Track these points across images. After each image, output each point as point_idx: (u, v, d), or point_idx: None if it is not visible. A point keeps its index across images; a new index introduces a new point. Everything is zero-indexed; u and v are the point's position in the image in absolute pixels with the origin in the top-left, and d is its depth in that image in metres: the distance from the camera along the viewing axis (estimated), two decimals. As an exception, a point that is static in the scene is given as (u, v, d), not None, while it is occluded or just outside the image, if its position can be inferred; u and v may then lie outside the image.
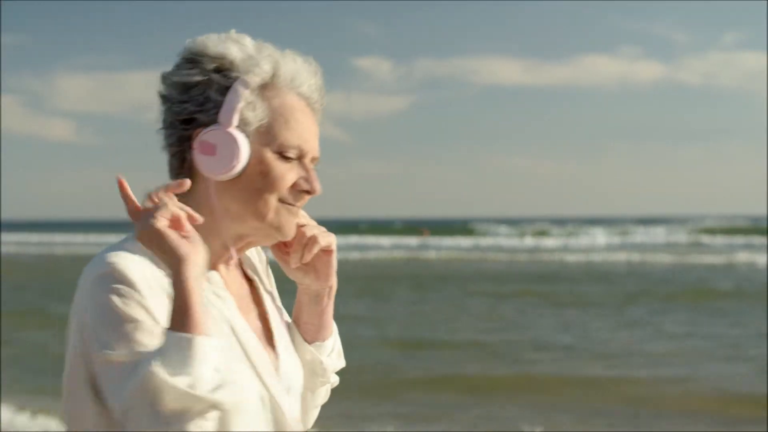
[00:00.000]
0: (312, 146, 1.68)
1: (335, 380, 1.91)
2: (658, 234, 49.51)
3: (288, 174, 1.65)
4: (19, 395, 9.37)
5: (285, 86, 1.67)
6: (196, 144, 1.62)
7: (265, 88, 1.65)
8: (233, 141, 1.60)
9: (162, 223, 1.50)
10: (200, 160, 1.62)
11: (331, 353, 1.88)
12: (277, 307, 1.84)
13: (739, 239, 42.60)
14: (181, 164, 1.66)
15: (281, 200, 1.65)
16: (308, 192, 1.68)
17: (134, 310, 1.49)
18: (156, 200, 1.53)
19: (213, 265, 1.68)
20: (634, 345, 12.58)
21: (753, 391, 9.45)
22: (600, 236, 47.60)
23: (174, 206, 1.52)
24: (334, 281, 1.84)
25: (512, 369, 10.98)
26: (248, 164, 1.63)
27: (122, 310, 1.49)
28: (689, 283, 21.59)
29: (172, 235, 1.49)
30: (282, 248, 1.80)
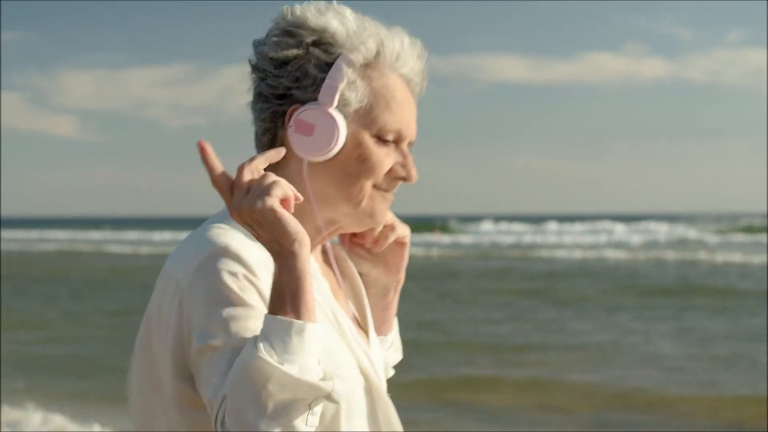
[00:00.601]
0: (411, 130, 1.60)
1: (391, 373, 1.86)
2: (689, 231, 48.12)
3: (385, 159, 1.57)
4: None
5: (387, 66, 1.58)
6: (291, 122, 1.52)
7: (367, 67, 1.56)
8: (332, 122, 1.51)
9: (276, 202, 1.35)
10: (295, 139, 1.52)
11: (390, 347, 1.84)
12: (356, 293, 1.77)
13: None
14: (272, 141, 1.57)
15: (376, 186, 1.57)
16: (404, 179, 1.59)
17: (250, 295, 1.41)
18: (255, 174, 1.38)
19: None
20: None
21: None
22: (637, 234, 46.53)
23: (285, 184, 1.38)
24: (402, 275, 1.78)
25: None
26: (345, 147, 1.54)
27: (237, 295, 1.40)
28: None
29: (287, 215, 1.35)
30: (351, 237, 1.72)
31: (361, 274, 1.77)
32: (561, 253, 34.21)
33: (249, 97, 1.59)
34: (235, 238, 1.45)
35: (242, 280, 1.42)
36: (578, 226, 50.62)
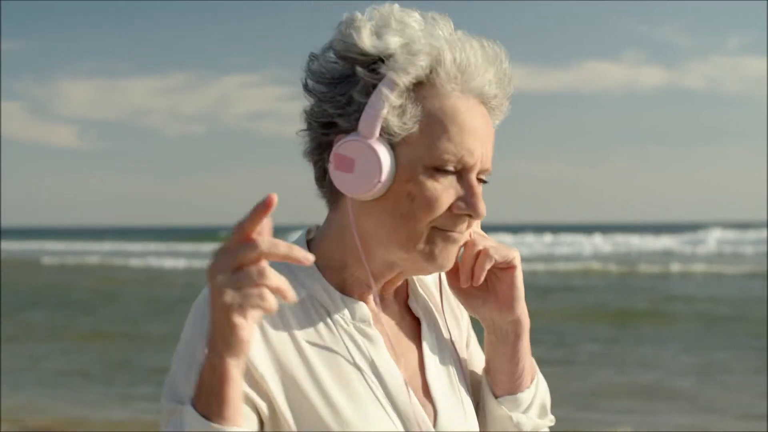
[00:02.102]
0: (478, 156, 1.38)
1: None
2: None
3: (443, 195, 1.35)
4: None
5: (448, 83, 1.36)
6: (331, 157, 1.36)
7: (420, 87, 1.35)
8: (373, 155, 1.33)
9: (248, 320, 1.16)
10: (336, 176, 1.36)
11: (529, 409, 1.53)
12: (453, 347, 1.54)
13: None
14: (323, 175, 1.42)
15: (435, 227, 1.37)
16: (470, 216, 1.38)
17: None
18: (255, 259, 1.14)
19: (361, 296, 1.44)
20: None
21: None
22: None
23: (267, 297, 1.14)
24: (523, 312, 1.50)
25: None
26: (394, 182, 1.35)
27: (198, 356, 1.27)
28: None
29: (242, 327, 1.16)
30: (455, 273, 1.50)
31: (479, 317, 1.54)
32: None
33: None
34: None
35: None
36: (548, 238, 49.73)
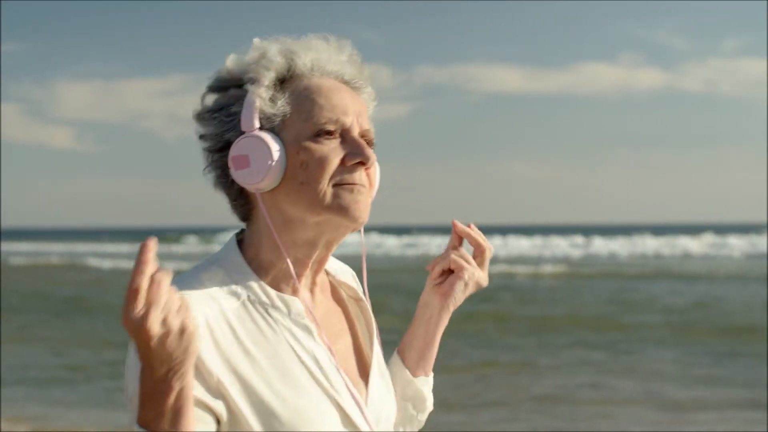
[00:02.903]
0: (353, 116, 1.54)
1: (423, 421, 1.78)
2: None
3: (331, 153, 1.50)
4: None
5: (306, 74, 1.55)
6: (229, 163, 1.51)
7: (284, 82, 1.54)
8: (260, 142, 1.49)
9: (154, 332, 1.24)
10: (238, 176, 1.51)
11: (431, 388, 1.77)
12: (377, 333, 1.69)
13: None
14: (238, 196, 1.56)
15: (335, 184, 1.51)
16: (361, 163, 1.53)
17: None
18: (142, 296, 1.24)
19: (293, 290, 1.56)
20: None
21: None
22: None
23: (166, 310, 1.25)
24: (448, 309, 1.74)
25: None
26: (288, 160, 1.51)
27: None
28: None
29: (161, 347, 1.25)
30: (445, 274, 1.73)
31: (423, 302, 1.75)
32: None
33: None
34: (195, 294, 1.45)
35: None
36: (524, 241, 49.48)
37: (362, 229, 1.60)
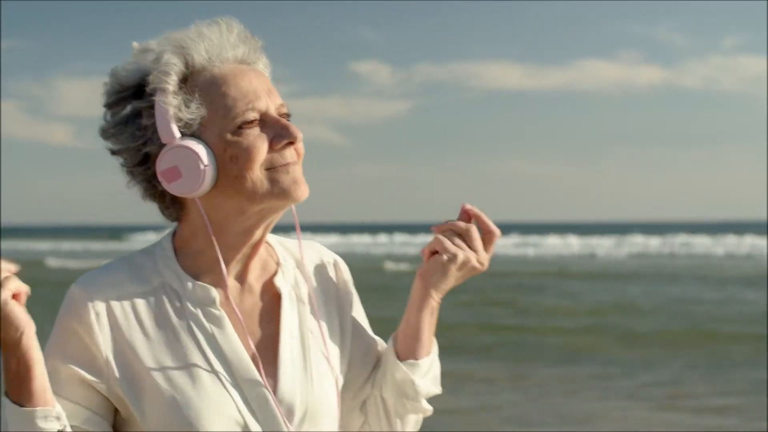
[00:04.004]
0: (265, 98, 1.54)
1: (428, 409, 1.72)
2: None
3: (257, 141, 1.51)
4: None
5: (206, 66, 1.54)
6: (160, 178, 1.51)
7: (186, 81, 1.52)
8: (186, 150, 1.49)
9: (6, 295, 1.37)
10: (173, 188, 1.51)
11: (426, 375, 1.69)
12: (319, 323, 1.66)
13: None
14: (170, 204, 1.58)
15: (267, 168, 1.52)
16: (290, 143, 1.53)
17: (71, 349, 1.50)
18: None
19: (217, 280, 1.57)
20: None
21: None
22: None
23: (15, 280, 1.39)
24: (437, 295, 1.68)
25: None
26: (217, 159, 1.51)
27: (59, 349, 1.50)
28: None
29: (15, 308, 1.38)
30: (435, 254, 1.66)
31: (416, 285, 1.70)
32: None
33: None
34: (102, 278, 1.54)
35: (69, 333, 1.51)
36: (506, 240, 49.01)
37: (293, 207, 1.59)
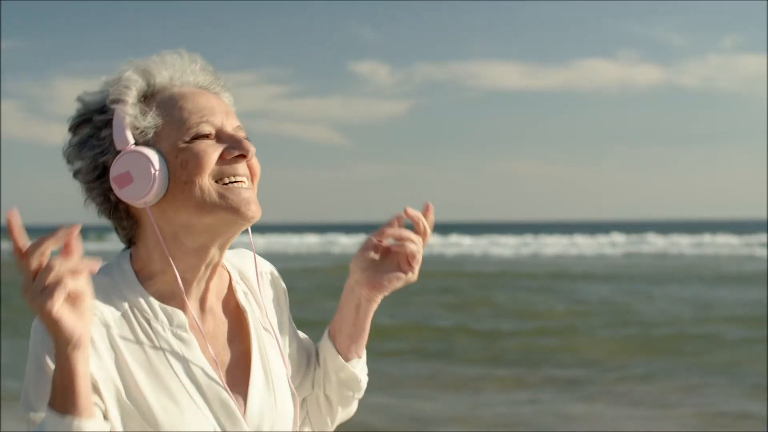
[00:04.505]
0: (221, 115, 1.56)
1: (353, 405, 1.84)
2: None
3: (209, 149, 1.52)
4: None
5: (167, 87, 1.57)
6: (112, 184, 1.51)
7: (146, 98, 1.56)
8: (138, 155, 1.50)
9: (56, 303, 1.30)
10: (123, 194, 1.51)
11: (364, 367, 1.81)
12: (276, 337, 1.70)
13: None
14: (123, 216, 1.57)
15: (218, 180, 1.52)
16: (242, 156, 1.54)
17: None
18: (40, 261, 1.31)
19: (180, 303, 1.58)
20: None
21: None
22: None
23: (71, 281, 1.31)
24: (377, 298, 1.75)
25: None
26: (168, 165, 1.52)
27: (47, 363, 1.43)
28: None
29: (66, 319, 1.32)
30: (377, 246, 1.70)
31: (353, 282, 1.74)
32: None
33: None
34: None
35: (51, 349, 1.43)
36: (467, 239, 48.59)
37: (249, 228, 1.59)
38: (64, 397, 1.35)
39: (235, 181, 1.53)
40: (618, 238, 48.07)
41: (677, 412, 8.55)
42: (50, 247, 1.31)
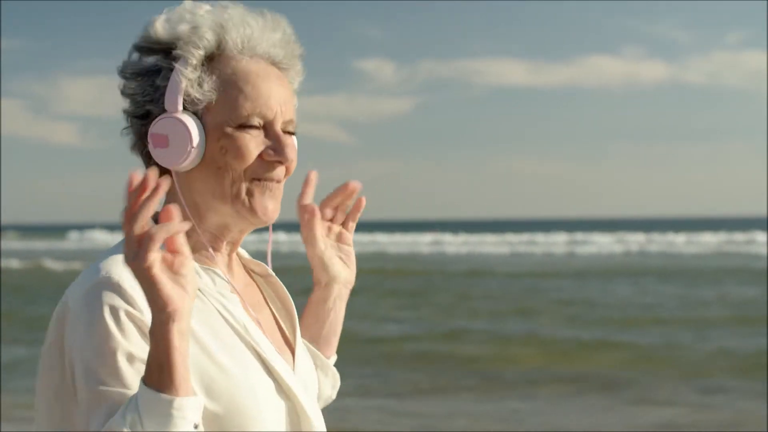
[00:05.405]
0: (276, 109, 1.52)
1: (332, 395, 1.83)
2: None
3: (251, 144, 1.49)
4: None
5: (236, 53, 1.51)
6: (149, 138, 1.50)
7: (212, 60, 1.50)
8: (181, 126, 1.47)
9: (154, 265, 1.24)
10: (156, 154, 1.49)
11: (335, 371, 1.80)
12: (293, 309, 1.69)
13: None
14: (148, 163, 1.53)
15: (251, 177, 1.50)
16: (279, 162, 1.51)
17: (129, 335, 1.35)
18: (141, 228, 1.25)
19: (212, 262, 1.55)
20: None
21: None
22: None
23: (173, 241, 1.28)
24: (348, 284, 1.76)
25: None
26: (208, 145, 1.49)
27: (115, 335, 1.34)
28: None
29: (163, 283, 1.25)
30: (313, 214, 1.70)
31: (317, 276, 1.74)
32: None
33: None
34: (125, 268, 1.32)
35: (122, 317, 1.35)
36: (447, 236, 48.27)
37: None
38: (159, 373, 1.26)
39: (268, 180, 1.51)
40: (639, 237, 47.62)
41: None
42: (150, 213, 1.25)
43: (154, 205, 1.26)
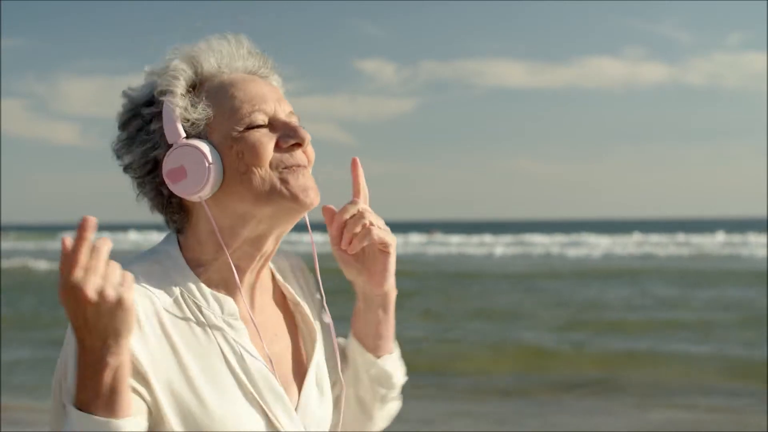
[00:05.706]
0: (273, 102, 1.53)
1: (399, 398, 1.79)
2: None
3: (264, 139, 1.49)
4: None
5: (215, 74, 1.54)
6: (165, 179, 1.49)
7: (195, 87, 1.52)
8: (190, 148, 1.47)
9: (91, 293, 1.26)
10: (178, 189, 1.48)
11: (397, 363, 1.76)
12: (330, 330, 1.69)
13: None
14: (176, 210, 1.54)
15: (276, 168, 1.49)
16: (297, 144, 1.52)
17: None
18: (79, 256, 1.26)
19: (230, 291, 1.55)
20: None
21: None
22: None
23: (102, 271, 1.28)
24: (390, 288, 1.68)
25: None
26: (224, 159, 1.48)
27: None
28: None
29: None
30: (338, 236, 1.62)
31: (353, 283, 1.70)
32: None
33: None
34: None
35: None
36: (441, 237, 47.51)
37: (306, 216, 1.57)
38: (87, 393, 1.31)
39: (294, 166, 1.51)
40: (640, 237, 47.31)
41: None
42: (83, 249, 1.26)
43: (87, 238, 1.26)
